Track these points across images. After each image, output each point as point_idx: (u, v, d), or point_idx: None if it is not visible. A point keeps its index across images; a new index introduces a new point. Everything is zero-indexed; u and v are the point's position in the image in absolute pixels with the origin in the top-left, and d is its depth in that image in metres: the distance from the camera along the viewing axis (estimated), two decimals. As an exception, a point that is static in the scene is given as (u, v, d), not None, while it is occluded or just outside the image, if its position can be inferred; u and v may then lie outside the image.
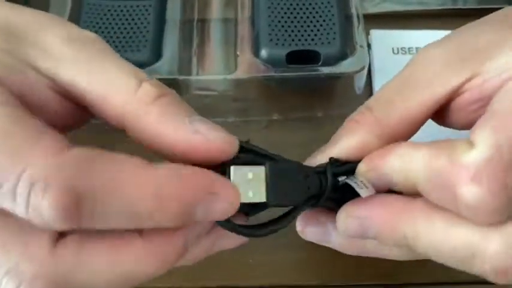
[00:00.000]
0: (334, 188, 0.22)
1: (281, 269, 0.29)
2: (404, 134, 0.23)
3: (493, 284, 0.22)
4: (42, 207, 0.17)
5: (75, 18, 0.34)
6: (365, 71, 0.32)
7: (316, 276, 0.30)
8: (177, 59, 0.33)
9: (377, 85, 0.35)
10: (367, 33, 0.36)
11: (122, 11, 0.34)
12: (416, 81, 0.24)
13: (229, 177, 0.20)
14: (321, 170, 0.22)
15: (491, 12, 0.30)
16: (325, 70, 0.31)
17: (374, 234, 0.22)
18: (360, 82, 0.33)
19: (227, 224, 0.20)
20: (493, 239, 0.20)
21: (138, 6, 0.34)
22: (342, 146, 0.23)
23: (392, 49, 0.37)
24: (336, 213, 0.23)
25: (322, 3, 0.33)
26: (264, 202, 0.20)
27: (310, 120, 0.35)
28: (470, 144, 0.20)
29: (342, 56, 0.32)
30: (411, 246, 0.22)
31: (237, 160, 0.20)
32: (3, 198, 0.17)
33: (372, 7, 0.38)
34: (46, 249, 0.18)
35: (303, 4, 0.33)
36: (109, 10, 0.34)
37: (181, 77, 0.32)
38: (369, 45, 0.36)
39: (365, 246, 0.24)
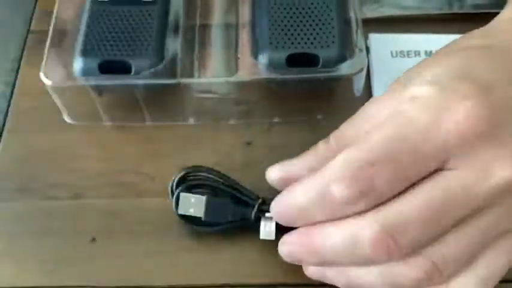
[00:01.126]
0: (256, 220, 0.30)
1: (282, 267, 0.30)
2: None
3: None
4: None
5: (80, 21, 0.35)
6: (364, 73, 0.32)
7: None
8: (179, 62, 0.34)
9: (376, 88, 0.36)
10: (366, 37, 0.37)
11: (125, 16, 0.35)
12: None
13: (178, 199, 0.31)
14: (250, 204, 0.30)
15: (487, 17, 0.31)
16: (325, 73, 0.32)
17: (298, 260, 0.28)
18: (358, 84, 0.34)
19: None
20: (365, 223, 0.24)
21: (141, 11, 0.35)
22: (292, 165, 0.29)
23: (391, 52, 0.37)
24: None
25: (322, 7, 0.34)
26: (201, 217, 0.30)
27: (310, 123, 0.35)
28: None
29: (341, 59, 0.32)
30: (324, 263, 0.27)
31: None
32: None
33: (371, 11, 0.39)
34: None
35: (303, 8, 0.34)
36: (113, 15, 0.35)
37: (183, 80, 0.33)
38: (367, 49, 0.36)
39: (348, 275, 0.27)
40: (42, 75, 0.33)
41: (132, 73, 0.33)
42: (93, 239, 0.32)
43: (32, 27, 0.41)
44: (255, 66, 0.33)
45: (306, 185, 0.26)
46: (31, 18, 0.41)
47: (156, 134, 0.35)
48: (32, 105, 0.37)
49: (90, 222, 0.32)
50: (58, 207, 0.33)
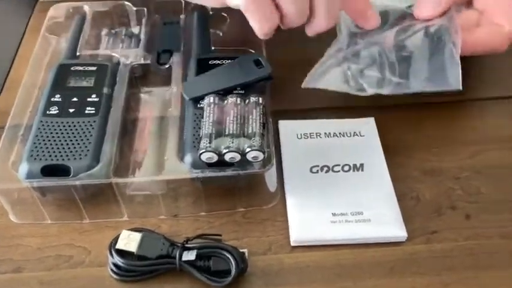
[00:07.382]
0: (180, 257, 0.35)
1: None
2: None
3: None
4: None
5: (29, 131, 0.39)
6: (274, 170, 0.37)
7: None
8: (114, 164, 0.38)
9: (285, 164, 0.41)
10: (276, 123, 0.43)
11: (69, 126, 0.40)
12: None
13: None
14: (178, 245, 0.36)
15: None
16: (240, 171, 0.36)
17: None
18: (271, 180, 0.38)
19: None
20: None
21: (84, 122, 0.40)
22: None
23: (297, 135, 0.43)
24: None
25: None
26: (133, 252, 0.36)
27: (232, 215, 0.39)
28: None
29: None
30: None
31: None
32: None
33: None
34: None
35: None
36: (58, 126, 0.40)
37: (115, 180, 0.37)
38: (278, 133, 0.42)
39: None
40: (-11, 180, 0.37)
41: (71, 175, 0.37)
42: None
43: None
44: (180, 167, 0.37)
45: None
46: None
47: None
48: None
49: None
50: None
